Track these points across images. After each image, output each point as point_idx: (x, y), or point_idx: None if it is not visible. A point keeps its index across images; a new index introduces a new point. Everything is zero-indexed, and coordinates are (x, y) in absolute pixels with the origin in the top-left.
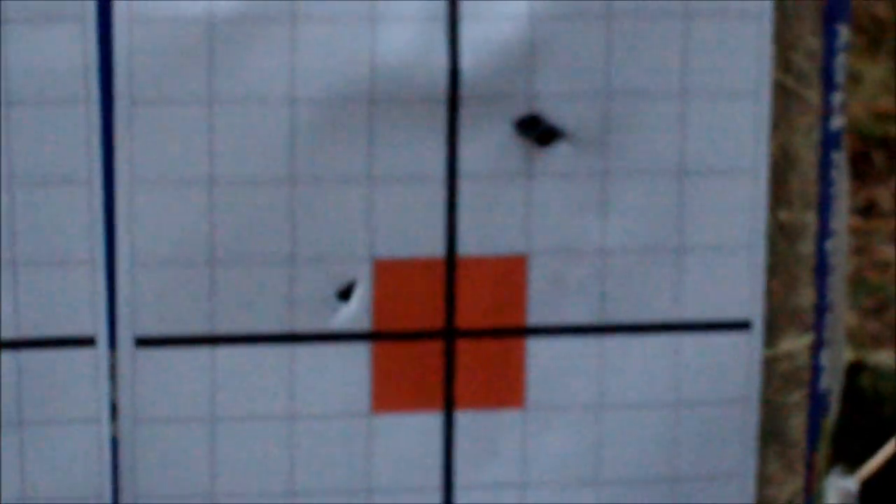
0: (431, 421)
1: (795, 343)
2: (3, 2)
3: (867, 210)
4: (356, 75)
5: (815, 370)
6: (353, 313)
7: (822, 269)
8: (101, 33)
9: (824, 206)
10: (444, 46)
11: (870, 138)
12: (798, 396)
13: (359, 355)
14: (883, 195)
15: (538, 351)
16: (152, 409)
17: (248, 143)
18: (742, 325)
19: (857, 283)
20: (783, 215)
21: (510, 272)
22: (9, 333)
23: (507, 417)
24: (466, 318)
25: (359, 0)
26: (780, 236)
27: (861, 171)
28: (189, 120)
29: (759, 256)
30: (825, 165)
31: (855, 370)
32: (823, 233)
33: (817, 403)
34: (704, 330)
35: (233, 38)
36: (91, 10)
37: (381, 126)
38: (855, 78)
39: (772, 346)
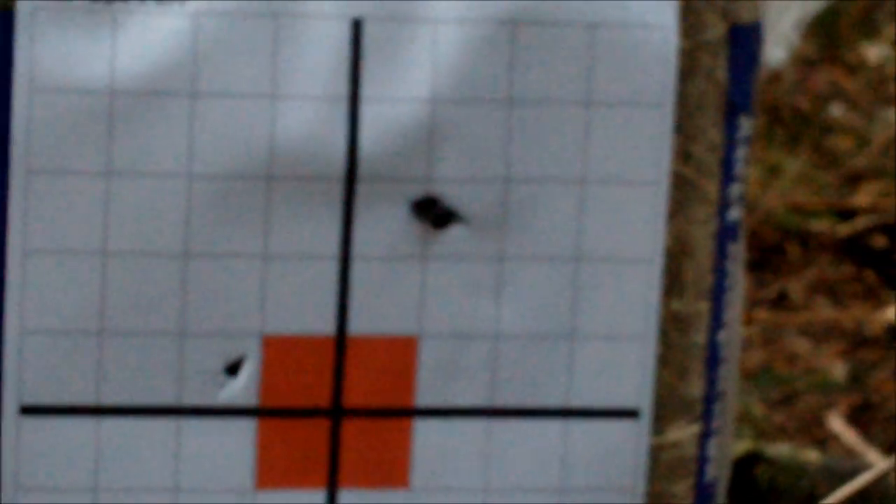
0: (315, 499)
1: (683, 432)
2: None
3: (778, 302)
4: (255, 152)
5: (702, 460)
6: (240, 388)
7: (713, 359)
8: (0, 101)
9: (718, 297)
10: (344, 126)
11: (785, 230)
12: (684, 486)
13: (244, 431)
14: (795, 288)
15: (425, 432)
16: (35, 478)
17: (143, 216)
18: (631, 413)
19: (765, 375)
20: (676, 305)
21: (400, 353)
22: None
23: (391, 497)
24: (354, 397)
25: (259, 77)
26: (671, 325)
27: (774, 263)
28: (84, 191)
29: (651, 345)
30: (720, 256)
31: (751, 461)
32: (716, 323)
33: (703, 493)
34: (593, 416)
35: (132, 110)
36: None
37: (277, 203)
38: (773, 170)
39: (659, 435)
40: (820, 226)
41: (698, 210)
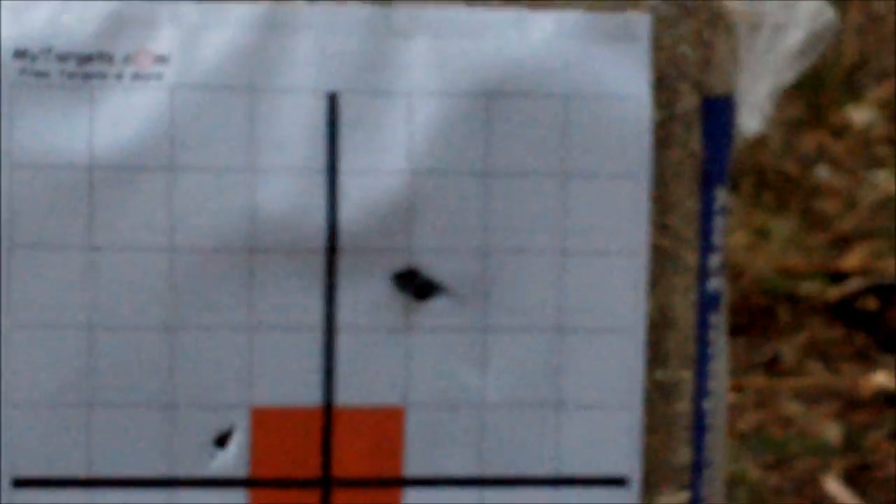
0: None
1: (672, 499)
2: None
3: (770, 365)
4: (235, 224)
5: None
6: (230, 460)
7: (699, 427)
8: None
9: (701, 366)
10: (324, 198)
11: (775, 294)
12: None
13: (235, 502)
14: (786, 351)
15: (414, 502)
16: None
17: (126, 289)
18: (619, 482)
19: (759, 438)
20: (659, 374)
21: (387, 423)
22: None
23: None
24: (343, 467)
25: (238, 151)
26: (656, 394)
27: (765, 326)
28: (67, 265)
29: (637, 413)
30: (702, 326)
31: None
32: (700, 392)
33: None
34: (582, 485)
35: (111, 185)
36: None
37: (260, 275)
38: (761, 234)
39: (648, 502)
40: (810, 289)
41: (678, 280)
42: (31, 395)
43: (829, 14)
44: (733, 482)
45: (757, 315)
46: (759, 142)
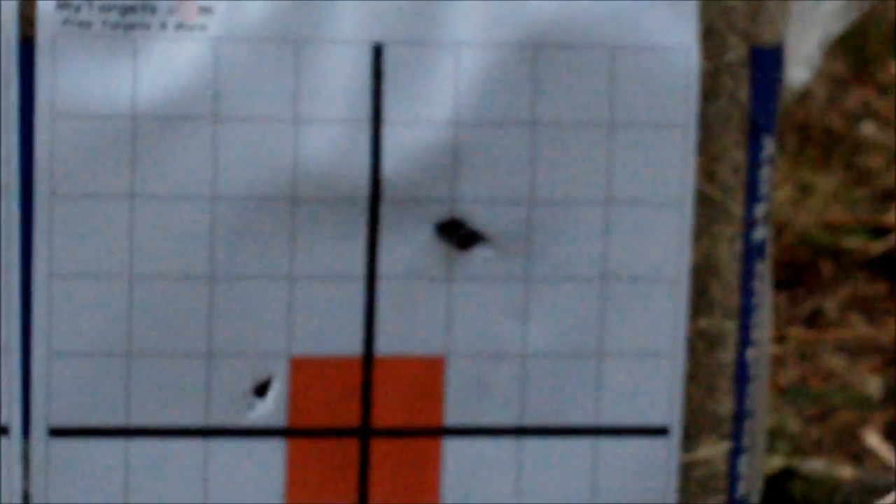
0: None
1: (713, 450)
2: None
3: (812, 319)
4: (278, 175)
5: (733, 477)
6: (269, 409)
7: (741, 377)
8: (23, 126)
9: (745, 316)
10: (367, 149)
11: (818, 248)
12: (715, 503)
13: (274, 451)
14: (829, 305)
15: (454, 452)
16: (65, 500)
17: (168, 239)
18: (660, 431)
19: (801, 391)
20: (703, 323)
21: (427, 373)
22: None
23: None
24: (382, 417)
25: (282, 101)
26: (699, 344)
27: (808, 280)
28: (109, 215)
29: (679, 363)
30: (747, 276)
31: (786, 477)
32: (744, 342)
33: None
34: (623, 434)
35: (155, 135)
36: (13, 102)
37: (302, 226)
38: (805, 189)
39: (689, 452)
40: (853, 243)
41: (724, 229)
42: (70, 344)
43: None
44: (774, 434)
45: (799, 269)
46: (804, 98)
